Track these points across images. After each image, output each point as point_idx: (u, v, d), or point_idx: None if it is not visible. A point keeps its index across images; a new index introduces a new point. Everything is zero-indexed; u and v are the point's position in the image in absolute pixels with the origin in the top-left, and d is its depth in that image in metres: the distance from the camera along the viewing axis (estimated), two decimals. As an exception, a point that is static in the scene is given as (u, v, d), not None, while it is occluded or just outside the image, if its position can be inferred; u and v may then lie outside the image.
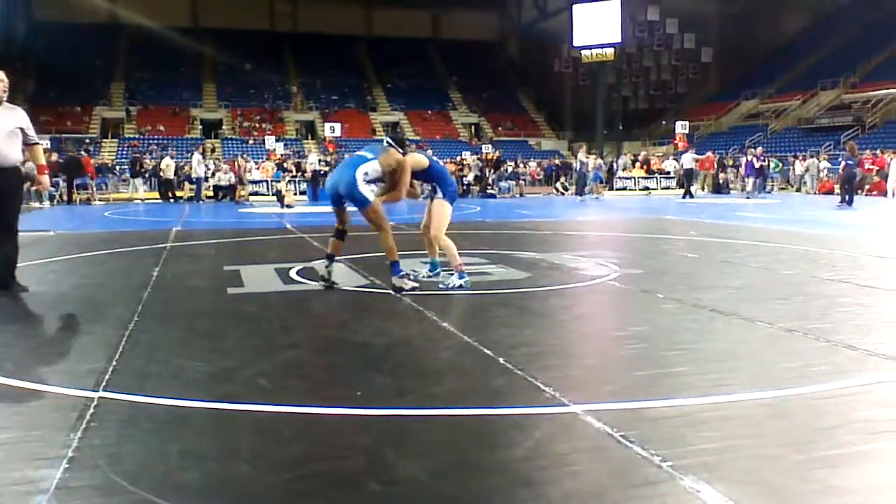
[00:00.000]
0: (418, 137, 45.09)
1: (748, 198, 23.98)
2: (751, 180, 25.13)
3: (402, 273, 6.13)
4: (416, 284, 6.18)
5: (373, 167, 6.04)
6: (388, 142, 6.31)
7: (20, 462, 2.67)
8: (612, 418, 3.02)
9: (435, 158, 6.99)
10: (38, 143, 6.39)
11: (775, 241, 10.53)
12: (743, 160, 27.05)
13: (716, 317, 5.14)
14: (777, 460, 2.69)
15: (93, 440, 2.85)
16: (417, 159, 6.47)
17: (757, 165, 25.04)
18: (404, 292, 5.97)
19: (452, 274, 6.29)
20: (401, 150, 6.26)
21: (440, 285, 6.23)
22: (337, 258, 6.46)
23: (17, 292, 6.18)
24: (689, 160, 25.97)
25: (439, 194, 6.56)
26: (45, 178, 7.07)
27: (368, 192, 5.98)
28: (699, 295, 5.96)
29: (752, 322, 4.94)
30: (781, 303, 5.72)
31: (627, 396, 3.37)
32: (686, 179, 25.52)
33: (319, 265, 6.45)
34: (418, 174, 6.47)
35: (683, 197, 24.24)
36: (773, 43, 47.34)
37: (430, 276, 6.64)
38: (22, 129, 6.19)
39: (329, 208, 6.37)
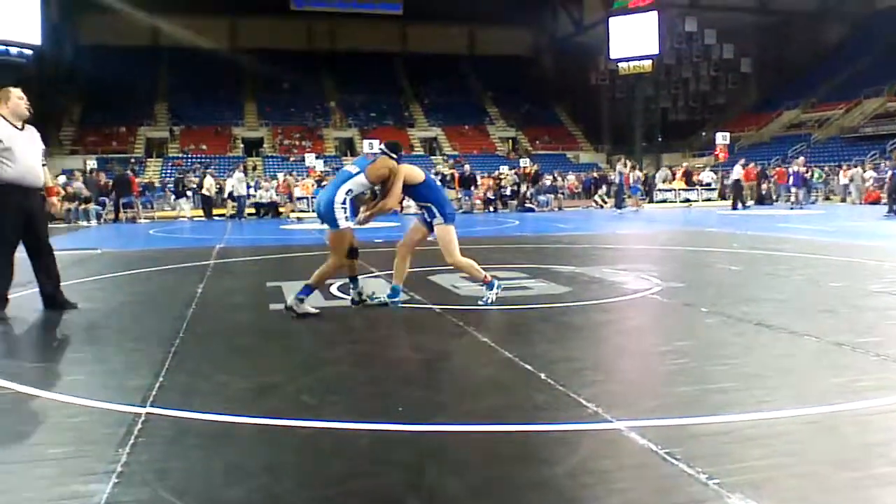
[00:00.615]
0: (456, 152, 45.27)
1: (792, 208, 23.65)
2: (796, 191, 24.79)
3: (305, 297, 5.78)
4: (316, 312, 5.82)
5: (358, 181, 5.84)
6: (381, 149, 6.12)
7: (71, 477, 2.73)
8: (657, 435, 2.98)
9: (433, 176, 6.42)
10: (46, 166, 6.51)
11: (821, 252, 10.33)
12: (788, 171, 26.60)
13: (761, 331, 5.05)
14: (826, 478, 2.63)
15: (141, 455, 2.90)
16: (412, 170, 6.03)
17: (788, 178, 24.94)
18: (294, 316, 5.72)
19: (484, 287, 6.17)
20: (394, 156, 5.98)
21: (479, 302, 6.13)
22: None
23: (68, 309, 6.31)
24: (738, 171, 25.73)
25: (438, 219, 6.04)
26: (56, 200, 7.26)
27: (343, 216, 5.75)
28: (744, 308, 5.86)
29: (798, 336, 4.84)
30: (829, 316, 5.60)
31: (672, 412, 3.33)
32: (735, 191, 25.28)
33: (352, 292, 6.31)
34: (412, 190, 6.03)
35: (734, 208, 24.03)
36: (814, 51, 46.64)
37: (385, 302, 6.20)
38: (43, 151, 6.41)
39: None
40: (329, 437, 3.14)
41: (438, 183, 6.31)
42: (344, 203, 5.76)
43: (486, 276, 6.12)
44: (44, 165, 6.42)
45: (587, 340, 5.09)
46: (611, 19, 43.44)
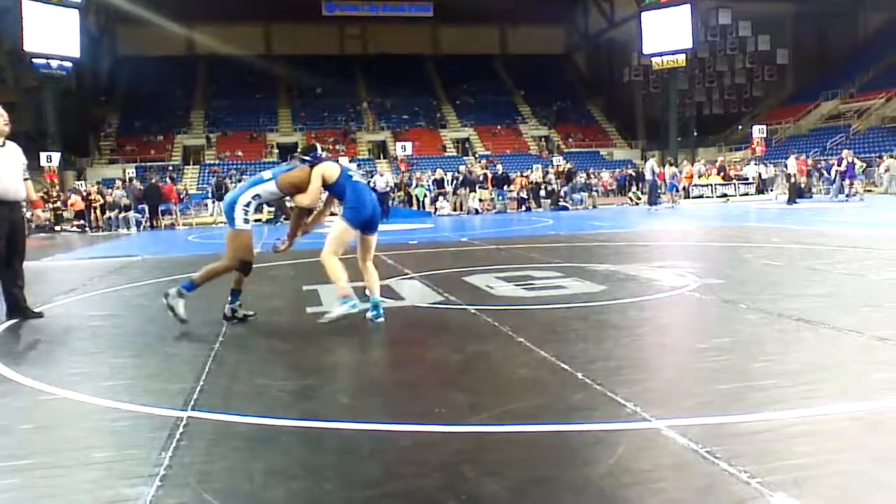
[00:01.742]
0: (488, 152, 45.23)
1: (848, 199, 23.28)
2: (851, 181, 24.37)
3: (178, 294, 5.76)
4: (183, 317, 5.74)
5: (268, 188, 5.77)
6: (297, 156, 5.91)
7: (116, 480, 2.78)
8: (697, 433, 2.95)
9: (353, 173, 5.85)
10: (29, 180, 6.74)
11: (862, 245, 10.11)
12: (839, 161, 25.85)
13: (802, 326, 4.96)
14: (871, 476, 2.58)
15: (183, 458, 2.95)
16: (327, 168, 5.72)
17: (843, 167, 24.27)
18: (172, 314, 5.74)
19: (338, 299, 5.56)
20: (307, 159, 5.77)
21: (321, 318, 5.64)
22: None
23: (31, 318, 6.51)
24: (792, 164, 24.97)
25: (339, 213, 5.79)
26: (40, 212, 7.44)
27: (242, 219, 5.71)
28: (784, 304, 5.77)
29: (841, 331, 4.75)
30: (872, 310, 5.48)
31: (712, 411, 3.28)
32: (791, 184, 24.63)
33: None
34: (331, 189, 5.78)
35: (789, 203, 23.41)
36: (852, 41, 45.71)
37: (372, 319, 5.74)
38: (23, 166, 6.63)
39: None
40: (368, 438, 3.16)
41: (362, 181, 5.85)
42: (248, 205, 5.72)
43: (345, 290, 5.54)
44: (26, 180, 6.66)
45: (624, 339, 5.04)
46: (643, 14, 43.02)
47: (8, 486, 2.77)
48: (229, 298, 6.00)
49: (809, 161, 30.90)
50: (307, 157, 5.80)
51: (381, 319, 5.66)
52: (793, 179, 24.89)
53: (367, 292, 5.80)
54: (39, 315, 6.60)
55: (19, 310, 6.54)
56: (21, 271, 6.62)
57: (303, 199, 5.78)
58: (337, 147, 45.14)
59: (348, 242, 5.75)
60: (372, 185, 24.70)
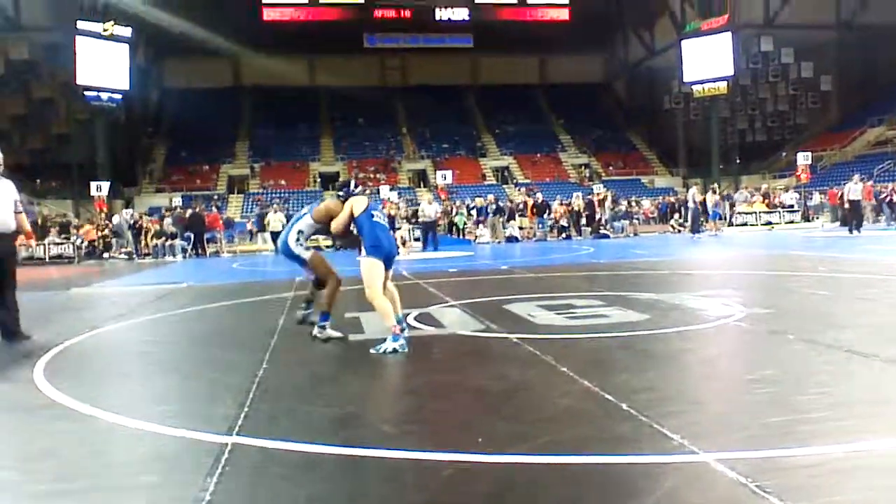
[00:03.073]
0: (528, 180, 45.22)
1: None
2: None
3: (325, 324, 6.35)
4: (338, 335, 6.34)
5: (306, 222, 6.47)
6: (334, 193, 6.60)
7: (163, 505, 2.82)
8: (746, 467, 2.88)
9: (375, 211, 6.19)
10: (22, 213, 7.16)
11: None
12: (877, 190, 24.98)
13: (852, 358, 4.84)
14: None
15: (228, 484, 2.97)
16: (354, 202, 6.15)
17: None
18: (317, 339, 6.26)
19: (390, 336, 5.75)
20: (341, 195, 6.32)
21: (371, 350, 5.73)
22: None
23: (22, 340, 6.83)
24: (857, 190, 22.74)
25: (362, 253, 6.18)
26: (32, 243, 7.80)
27: (302, 250, 6.46)
28: (833, 335, 5.64)
29: (892, 363, 4.63)
30: (927, 342, 5.33)
31: (761, 444, 3.21)
32: (855, 211, 22.51)
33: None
34: (354, 219, 6.17)
35: (850, 231, 21.61)
36: (898, 66, 44.88)
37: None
38: (15, 201, 7.04)
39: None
40: (410, 467, 3.15)
41: (381, 219, 6.22)
42: (298, 241, 6.45)
43: (396, 327, 5.78)
44: (19, 213, 7.08)
45: (669, 369, 4.97)
46: (683, 42, 42.85)
47: (59, 509, 2.82)
48: (303, 306, 6.70)
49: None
50: (340, 193, 6.38)
51: (406, 332, 6.01)
52: (860, 205, 22.90)
53: (395, 311, 6.10)
54: (28, 338, 6.89)
55: (12, 336, 6.89)
56: (13, 300, 6.98)
57: (333, 224, 6.32)
58: (378, 176, 45.60)
59: (381, 275, 6.01)
60: (421, 212, 24.86)
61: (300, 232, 6.44)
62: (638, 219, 31.02)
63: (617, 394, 4.05)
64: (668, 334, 6.08)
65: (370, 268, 5.93)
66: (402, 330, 5.89)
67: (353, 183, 6.56)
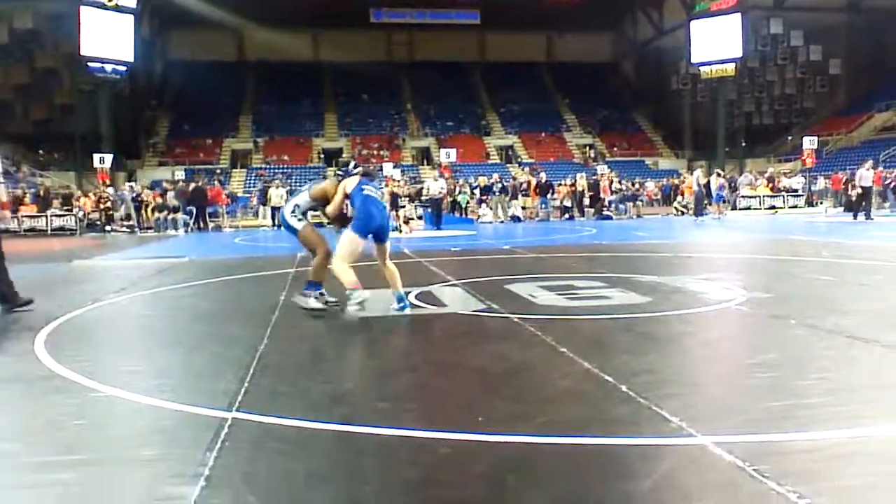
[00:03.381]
0: (532, 160, 45.08)
1: None
2: None
3: (310, 293, 6.52)
4: (321, 306, 6.50)
5: (303, 199, 6.73)
6: (334, 173, 6.81)
7: (162, 479, 2.83)
8: (744, 451, 2.88)
9: (367, 188, 6.37)
10: (3, 184, 7.32)
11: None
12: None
13: (854, 343, 4.84)
14: (929, 501, 2.50)
15: (228, 459, 2.98)
16: (348, 183, 6.47)
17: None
18: (303, 309, 6.45)
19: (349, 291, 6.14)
20: (340, 174, 6.66)
21: (341, 312, 6.18)
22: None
23: (23, 306, 6.87)
24: (868, 176, 22.21)
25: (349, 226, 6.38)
26: (5, 213, 7.86)
27: (295, 221, 6.69)
28: (834, 320, 5.63)
29: (893, 349, 4.62)
30: (928, 329, 5.32)
31: (760, 428, 3.21)
32: (865, 198, 22.19)
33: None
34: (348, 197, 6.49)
35: (855, 217, 21.60)
36: (908, 52, 44.48)
37: (396, 310, 6.33)
38: None
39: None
40: (408, 445, 3.16)
41: (373, 192, 6.41)
42: (293, 213, 6.71)
43: (354, 284, 6.13)
44: (1, 183, 7.15)
45: (669, 352, 4.97)
46: (692, 23, 42.51)
47: (59, 480, 2.84)
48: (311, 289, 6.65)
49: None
50: (340, 172, 6.72)
51: (408, 310, 6.30)
52: (871, 192, 22.54)
53: (391, 289, 6.40)
54: (30, 301, 6.92)
55: (10, 303, 6.92)
56: (4, 269, 6.95)
57: (328, 209, 6.61)
58: (381, 153, 45.48)
59: (357, 252, 6.28)
60: (426, 190, 24.81)
61: (297, 206, 6.71)
62: (641, 201, 30.93)
63: (617, 375, 4.05)
64: (669, 317, 6.08)
65: (350, 241, 6.20)
66: (405, 303, 6.24)
67: (352, 164, 6.83)
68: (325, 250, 6.62)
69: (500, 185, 27.32)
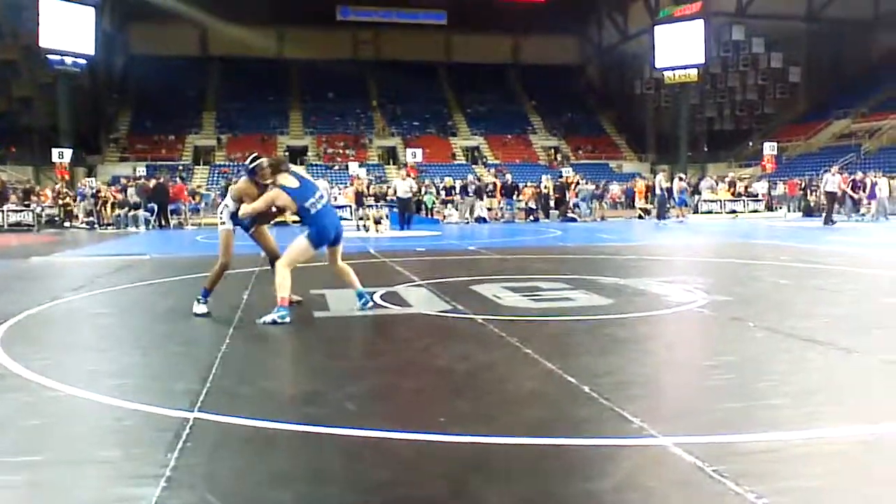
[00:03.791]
0: (497, 161, 45.27)
1: (876, 220, 22.99)
2: (874, 203, 24.01)
3: (203, 300, 6.39)
4: (206, 311, 6.33)
5: (229, 199, 6.55)
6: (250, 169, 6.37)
7: (122, 480, 2.79)
8: (704, 452, 2.93)
9: (314, 200, 6.09)
10: None
11: (873, 266, 10.08)
12: (868, 182, 25.10)
13: (811, 346, 4.94)
14: (878, 500, 2.57)
15: (189, 460, 2.95)
16: (281, 198, 6.09)
17: (847, 188, 24.04)
18: (196, 315, 6.28)
19: (276, 308, 5.87)
20: (251, 177, 6.29)
21: (256, 321, 5.86)
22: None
23: None
24: (833, 181, 22.88)
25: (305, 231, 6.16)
26: None
27: (219, 221, 6.60)
28: (792, 323, 5.74)
29: (849, 353, 4.73)
30: (881, 332, 5.46)
31: (719, 429, 3.27)
32: (829, 203, 22.66)
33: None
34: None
35: (825, 224, 21.51)
36: (865, 60, 45.50)
37: (360, 309, 6.28)
38: None
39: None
40: (372, 445, 3.16)
41: (320, 202, 6.15)
42: (221, 212, 6.56)
43: (284, 299, 5.89)
44: None
45: (631, 354, 5.03)
46: (656, 28, 43.09)
47: (14, 481, 2.78)
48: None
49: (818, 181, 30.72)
50: (252, 176, 6.32)
51: (371, 304, 6.33)
52: (835, 197, 22.98)
53: (351, 288, 6.36)
54: None
55: None
56: None
57: (245, 209, 6.24)
58: (347, 152, 45.29)
59: (306, 259, 6.26)
60: (393, 190, 24.63)
61: (225, 206, 6.54)
62: (605, 203, 31.22)
63: (579, 377, 4.09)
64: (632, 319, 6.15)
65: (303, 250, 6.10)
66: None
67: (249, 160, 6.47)
68: (224, 264, 6.44)
69: (474, 186, 27.40)
